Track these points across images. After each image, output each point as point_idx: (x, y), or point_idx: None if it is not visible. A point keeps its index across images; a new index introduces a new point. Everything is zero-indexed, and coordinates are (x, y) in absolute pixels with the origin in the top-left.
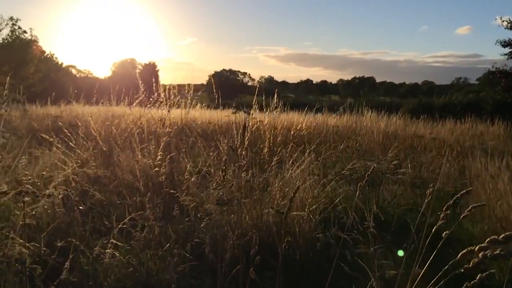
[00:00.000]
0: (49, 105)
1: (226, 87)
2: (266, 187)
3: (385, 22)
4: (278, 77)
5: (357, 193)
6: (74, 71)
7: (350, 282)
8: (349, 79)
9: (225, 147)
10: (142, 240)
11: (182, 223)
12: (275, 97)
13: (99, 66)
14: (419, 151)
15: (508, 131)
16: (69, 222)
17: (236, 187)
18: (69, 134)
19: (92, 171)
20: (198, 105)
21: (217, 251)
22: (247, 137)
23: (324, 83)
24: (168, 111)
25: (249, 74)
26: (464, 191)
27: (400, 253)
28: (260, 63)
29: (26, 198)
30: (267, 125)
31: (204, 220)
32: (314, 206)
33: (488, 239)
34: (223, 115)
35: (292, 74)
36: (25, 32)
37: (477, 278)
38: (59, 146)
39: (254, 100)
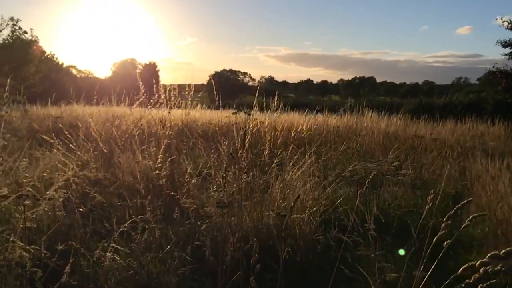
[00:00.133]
0: (49, 106)
1: (227, 87)
2: (266, 189)
3: (386, 22)
4: (279, 77)
5: (358, 198)
6: (74, 71)
7: (350, 285)
8: (350, 79)
9: (226, 149)
10: (142, 243)
11: (182, 226)
12: (276, 98)
13: (99, 66)
14: (419, 152)
15: (509, 132)
16: (70, 225)
17: (236, 189)
18: (69, 136)
19: (93, 174)
20: (199, 105)
21: (218, 253)
22: (247, 139)
23: (324, 83)
24: (169, 112)
25: (250, 74)
26: (465, 201)
27: (401, 252)
28: (260, 63)
29: (27, 202)
30: (268, 127)
31: (205, 222)
32: (315, 208)
33: (489, 255)
34: (223, 116)
35: (293, 74)
36: (25, 32)
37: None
38: (60, 148)
39: (254, 101)
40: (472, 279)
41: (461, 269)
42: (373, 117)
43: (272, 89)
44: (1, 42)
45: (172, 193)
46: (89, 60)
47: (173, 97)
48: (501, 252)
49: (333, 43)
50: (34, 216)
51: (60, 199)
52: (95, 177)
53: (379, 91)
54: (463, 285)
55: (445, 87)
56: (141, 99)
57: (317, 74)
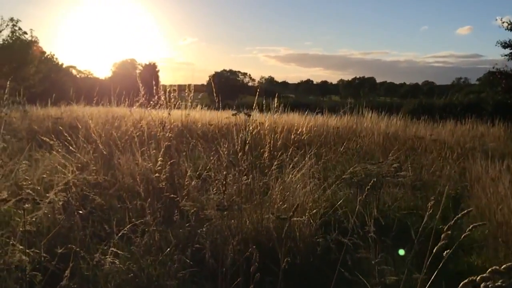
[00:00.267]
0: (49, 106)
1: (227, 88)
2: (266, 191)
3: (386, 22)
4: (279, 77)
5: (358, 201)
6: (74, 72)
7: None
8: (350, 79)
9: (225, 152)
10: (142, 246)
11: (182, 228)
12: (275, 100)
13: (99, 66)
14: (419, 153)
15: (509, 133)
16: (70, 227)
17: (236, 192)
18: (69, 138)
19: (93, 177)
20: (199, 106)
21: (218, 256)
22: (247, 141)
23: (324, 83)
24: (169, 113)
25: (250, 75)
26: (465, 211)
27: (401, 252)
28: (260, 63)
29: (27, 205)
30: (267, 129)
31: (205, 225)
32: (315, 211)
33: (489, 270)
34: (223, 117)
35: (293, 74)
36: (25, 33)
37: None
38: (60, 150)
39: (254, 102)
40: None
41: (461, 284)
42: (373, 117)
43: (272, 90)
44: (1, 42)
45: (172, 195)
46: (89, 60)
47: (173, 99)
48: (502, 267)
49: (333, 43)
50: (34, 219)
51: (60, 203)
52: (95, 180)
53: (379, 92)
54: None
55: (445, 87)
56: (141, 101)
57: (317, 75)
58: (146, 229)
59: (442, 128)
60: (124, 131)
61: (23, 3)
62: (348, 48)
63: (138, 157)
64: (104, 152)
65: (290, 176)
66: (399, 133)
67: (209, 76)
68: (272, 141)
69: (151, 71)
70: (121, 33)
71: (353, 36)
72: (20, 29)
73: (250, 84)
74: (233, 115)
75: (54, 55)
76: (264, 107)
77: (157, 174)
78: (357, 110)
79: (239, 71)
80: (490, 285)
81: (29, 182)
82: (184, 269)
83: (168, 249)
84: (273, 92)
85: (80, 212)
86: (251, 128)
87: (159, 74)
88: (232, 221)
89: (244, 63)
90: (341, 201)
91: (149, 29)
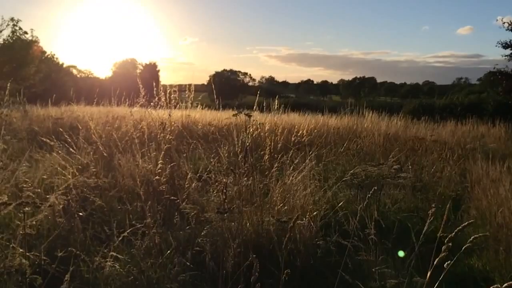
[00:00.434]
0: (49, 106)
1: (227, 87)
2: (267, 192)
3: (386, 22)
4: (279, 77)
5: (359, 204)
6: (75, 71)
7: None
8: (350, 79)
9: (226, 154)
10: (142, 249)
11: (183, 230)
12: (276, 102)
13: (99, 66)
14: (420, 154)
15: (509, 133)
16: (70, 229)
17: (237, 194)
18: (69, 140)
19: (93, 181)
20: (199, 106)
21: (218, 259)
22: (248, 143)
23: (325, 83)
24: (169, 115)
25: (250, 74)
26: (466, 223)
27: (401, 253)
28: (261, 63)
29: (27, 208)
30: (268, 131)
31: (205, 228)
32: (315, 213)
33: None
34: (224, 117)
35: (293, 74)
36: (25, 33)
37: None
38: (60, 152)
39: (255, 103)
40: None
41: None
42: (373, 118)
43: (272, 89)
44: (2, 42)
45: (172, 197)
46: (89, 60)
47: (173, 100)
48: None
49: (333, 43)
50: (34, 222)
51: (60, 206)
52: (95, 183)
53: (380, 92)
54: None
55: (446, 87)
56: (141, 102)
57: (318, 74)
58: (147, 232)
59: (442, 129)
60: (125, 132)
61: (24, 3)
62: (348, 48)
63: (138, 158)
64: (105, 154)
65: (291, 178)
66: (400, 133)
67: (210, 76)
68: (272, 143)
69: (152, 71)
70: (122, 32)
71: (353, 36)
72: (20, 29)
73: (250, 84)
74: (233, 115)
75: (54, 54)
76: (264, 107)
77: (157, 177)
78: (357, 111)
79: (239, 71)
80: None
81: (30, 184)
82: (185, 272)
83: (168, 251)
84: (274, 92)
85: (80, 214)
86: (251, 130)
87: (160, 74)
88: (233, 223)
89: (244, 63)
90: (341, 203)
91: (149, 29)
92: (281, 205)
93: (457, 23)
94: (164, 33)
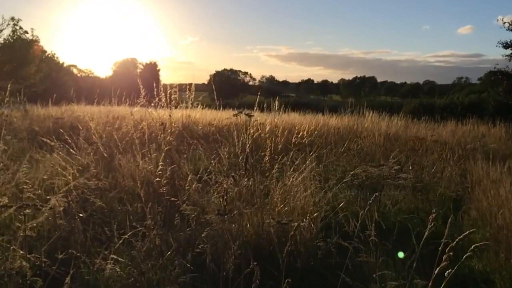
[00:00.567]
0: (50, 106)
1: (227, 87)
2: (267, 193)
3: (387, 21)
4: (279, 77)
5: (362, 213)
6: (75, 71)
7: None
8: (350, 78)
9: (226, 156)
10: (143, 251)
11: (183, 231)
12: (276, 103)
13: (100, 65)
14: (420, 154)
15: (510, 133)
16: (70, 230)
17: (237, 195)
18: (70, 141)
19: (93, 183)
20: (199, 106)
21: (219, 260)
22: (248, 145)
23: (325, 82)
24: (170, 115)
25: (250, 74)
26: (467, 232)
27: (400, 255)
28: (261, 62)
29: (27, 211)
30: (268, 132)
31: (205, 230)
32: (316, 214)
33: None
34: (224, 117)
35: (293, 73)
36: (26, 32)
37: None
38: (60, 153)
39: (255, 103)
40: None
41: None
42: (374, 118)
43: (272, 89)
44: (2, 42)
45: (173, 198)
46: (89, 59)
47: (173, 101)
48: None
49: (334, 42)
50: (34, 224)
51: (61, 208)
52: (96, 185)
53: (380, 91)
54: None
55: (446, 86)
56: (141, 102)
57: (318, 74)
58: (147, 233)
59: (443, 129)
60: (125, 132)
61: (24, 2)
62: (349, 48)
63: (138, 159)
64: (105, 155)
65: (291, 179)
66: (400, 133)
67: (210, 75)
68: (272, 144)
69: (152, 70)
70: (122, 32)
71: (354, 35)
72: (21, 28)
73: (251, 83)
74: (234, 115)
75: (55, 54)
76: (265, 107)
77: (158, 179)
78: (357, 110)
79: (240, 70)
80: None
81: (30, 186)
82: (185, 274)
83: (169, 253)
84: (274, 91)
85: (81, 215)
86: (252, 131)
87: (160, 73)
88: (233, 225)
89: (245, 62)
90: (342, 204)
91: (150, 28)
92: (281, 206)
93: (457, 23)
94: (164, 32)
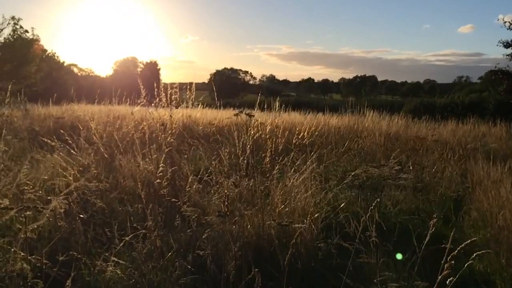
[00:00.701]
0: (51, 105)
1: (228, 86)
2: (268, 193)
3: (387, 20)
4: (280, 76)
5: (365, 218)
6: (75, 70)
7: None
8: (351, 77)
9: (227, 156)
10: (143, 252)
11: (184, 232)
12: (277, 103)
13: (100, 64)
14: (421, 153)
15: (511, 133)
16: (71, 231)
17: (238, 197)
18: (70, 142)
19: (94, 184)
20: (200, 106)
21: (219, 262)
22: (249, 146)
23: (325, 81)
24: (170, 116)
25: (251, 73)
26: (468, 241)
27: (399, 256)
28: (261, 61)
29: (28, 213)
30: (269, 133)
31: (206, 232)
32: (316, 215)
33: None
34: (224, 116)
35: (294, 72)
36: (26, 31)
37: None
38: (61, 153)
39: (256, 103)
40: None
41: None
42: (374, 117)
43: (273, 88)
44: (2, 41)
45: (173, 199)
46: (90, 58)
47: (174, 102)
48: None
49: (334, 41)
50: (35, 226)
51: (62, 210)
52: (96, 187)
53: (381, 90)
54: None
55: (447, 85)
56: (142, 103)
57: (318, 73)
58: (148, 234)
59: (443, 128)
60: (126, 133)
61: (24, 1)
62: (349, 47)
63: (139, 160)
64: (106, 155)
65: (292, 180)
66: (401, 133)
67: (210, 75)
68: (273, 145)
69: (152, 69)
70: (122, 31)
71: (354, 34)
72: (21, 27)
73: (251, 82)
74: (235, 115)
75: (55, 53)
76: (265, 106)
77: (158, 180)
78: (358, 110)
79: (240, 70)
80: None
81: (31, 187)
82: (186, 276)
83: (170, 254)
84: (274, 90)
85: (82, 216)
86: (252, 132)
87: (160, 72)
88: (234, 226)
89: (245, 61)
90: (342, 204)
91: (150, 27)
92: (282, 207)
93: (458, 22)
94: (164, 32)
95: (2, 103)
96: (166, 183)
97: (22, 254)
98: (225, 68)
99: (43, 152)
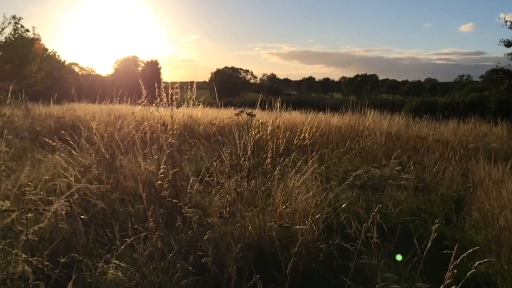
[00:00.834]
0: (51, 105)
1: (229, 85)
2: (269, 195)
3: (388, 19)
4: (281, 75)
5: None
6: (76, 69)
7: None
8: (352, 76)
9: (228, 157)
10: (145, 254)
11: (185, 233)
12: (277, 104)
13: (101, 63)
14: (422, 153)
15: None
16: (72, 232)
17: (239, 197)
18: (71, 142)
19: (95, 186)
20: (201, 105)
21: (220, 263)
22: (250, 147)
23: (326, 80)
24: (171, 116)
25: (252, 72)
26: (467, 252)
27: (399, 257)
28: (262, 60)
29: (30, 215)
30: (270, 133)
31: (207, 233)
32: (317, 216)
33: None
34: (225, 116)
35: (295, 71)
36: (27, 30)
37: None
38: (62, 154)
39: (257, 102)
40: None
41: None
42: (375, 116)
43: (274, 87)
44: (3, 40)
45: (175, 200)
46: (91, 57)
47: (175, 102)
48: None
49: (335, 40)
50: (36, 228)
51: (63, 212)
52: (97, 189)
53: (382, 89)
54: None
55: (448, 84)
56: (143, 103)
57: (319, 72)
58: (149, 235)
59: (444, 127)
60: (127, 133)
61: (25, 1)
62: (350, 45)
63: (140, 160)
64: (107, 156)
65: (293, 181)
66: (402, 132)
67: (211, 73)
68: (274, 146)
69: (153, 68)
70: (123, 30)
71: (355, 33)
72: (22, 26)
73: (252, 81)
74: (235, 115)
75: (56, 52)
76: (266, 105)
77: (159, 182)
78: (359, 109)
79: (241, 68)
80: None
81: (32, 187)
82: (187, 277)
83: (171, 255)
84: (275, 89)
85: (83, 217)
86: (253, 133)
87: (161, 71)
88: (235, 227)
89: (246, 60)
90: (344, 205)
91: (151, 26)
92: (283, 207)
93: (459, 20)
94: (165, 31)
95: (3, 102)
96: (167, 184)
97: (24, 256)
98: (226, 67)
99: (44, 152)
